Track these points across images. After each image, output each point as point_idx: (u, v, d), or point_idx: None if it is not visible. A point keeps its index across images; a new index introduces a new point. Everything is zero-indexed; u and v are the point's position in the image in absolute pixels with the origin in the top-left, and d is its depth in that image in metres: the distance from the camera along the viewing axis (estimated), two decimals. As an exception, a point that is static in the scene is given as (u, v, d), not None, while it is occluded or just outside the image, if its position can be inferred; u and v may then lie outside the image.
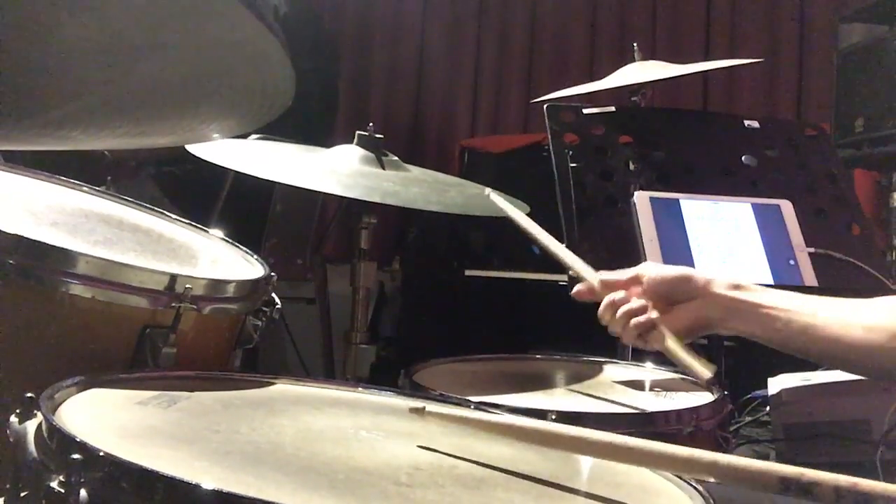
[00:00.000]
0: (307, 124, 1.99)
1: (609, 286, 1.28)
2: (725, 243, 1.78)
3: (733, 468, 0.77)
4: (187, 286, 1.13)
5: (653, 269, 1.27)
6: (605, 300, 1.26)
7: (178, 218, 1.54)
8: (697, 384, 1.52)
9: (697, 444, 1.29)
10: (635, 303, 1.24)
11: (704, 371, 1.20)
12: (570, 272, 1.35)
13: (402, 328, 3.65)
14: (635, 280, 1.27)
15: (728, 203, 1.83)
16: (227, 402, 1.01)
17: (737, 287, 1.21)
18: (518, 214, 1.43)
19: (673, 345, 1.21)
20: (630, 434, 1.21)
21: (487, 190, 1.47)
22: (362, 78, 4.33)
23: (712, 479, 0.81)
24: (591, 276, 1.31)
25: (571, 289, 1.75)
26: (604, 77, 2.29)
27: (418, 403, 0.96)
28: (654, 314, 1.22)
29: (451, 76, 4.36)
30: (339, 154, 1.62)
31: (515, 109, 4.33)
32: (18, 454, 0.76)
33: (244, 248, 1.47)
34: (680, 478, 0.89)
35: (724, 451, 1.39)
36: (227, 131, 1.22)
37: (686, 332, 1.23)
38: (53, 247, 1.08)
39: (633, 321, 1.22)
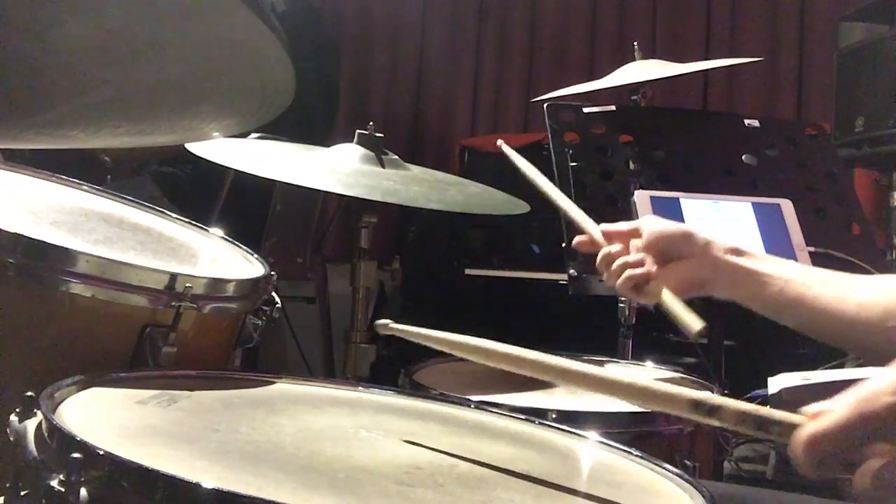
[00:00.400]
0: (307, 123, 1.99)
1: (609, 237, 1.27)
2: (725, 243, 1.77)
3: (647, 390, 0.80)
4: (187, 285, 1.13)
5: (654, 223, 1.26)
6: (603, 251, 1.26)
7: (178, 217, 1.54)
8: (698, 384, 1.52)
9: (698, 443, 1.30)
10: (632, 255, 1.23)
11: (696, 323, 1.17)
12: (573, 242, 1.33)
13: (402, 328, 3.64)
14: (635, 233, 1.25)
15: (728, 202, 1.82)
16: (227, 402, 1.01)
17: (735, 251, 1.20)
18: (525, 164, 1.42)
19: (667, 296, 1.19)
20: (631, 434, 1.22)
21: (499, 141, 1.47)
22: (362, 78, 4.32)
23: (628, 401, 0.84)
24: (592, 228, 1.30)
25: (572, 289, 1.75)
26: (604, 76, 2.29)
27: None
28: (650, 267, 1.21)
29: (451, 76, 4.36)
30: (339, 153, 1.62)
31: (515, 109, 4.33)
32: (18, 453, 0.76)
33: (244, 248, 1.47)
34: (679, 476, 0.89)
35: (725, 451, 1.39)
36: (227, 130, 1.22)
37: (679, 290, 1.21)
38: (53, 246, 1.08)
39: (628, 272, 1.21)
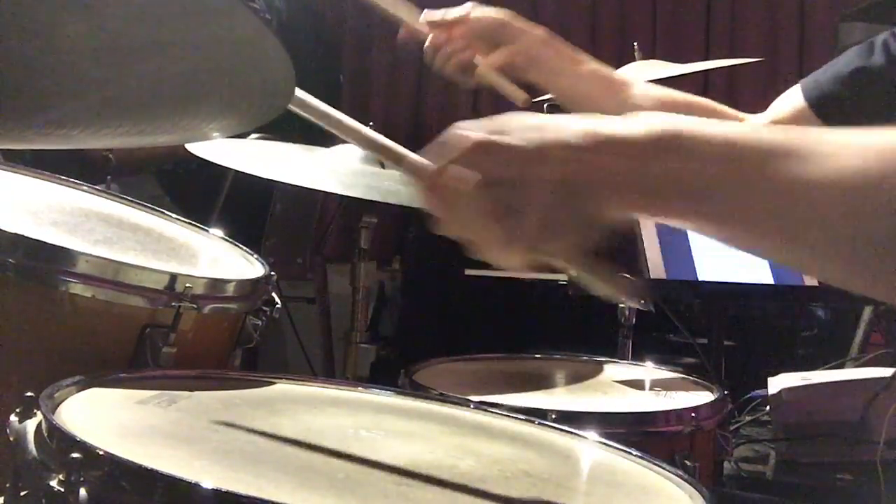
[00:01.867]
0: (307, 124, 1.99)
1: (435, 27, 1.36)
2: (725, 243, 1.77)
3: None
4: (187, 285, 1.13)
5: (477, 10, 1.35)
6: (429, 41, 1.35)
7: (178, 217, 1.54)
8: (698, 384, 1.52)
9: (697, 443, 1.30)
10: (457, 43, 1.34)
11: (519, 94, 1.38)
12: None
13: (402, 328, 3.65)
14: (460, 21, 1.34)
15: (728, 203, 1.82)
16: (227, 402, 1.01)
17: (546, 41, 1.34)
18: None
19: (487, 71, 1.34)
20: (631, 434, 1.22)
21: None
22: (362, 78, 4.32)
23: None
24: (415, 18, 1.37)
25: (572, 289, 1.76)
26: (604, 77, 2.29)
27: None
28: (474, 52, 1.33)
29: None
30: (340, 153, 1.62)
31: (515, 109, 4.33)
32: (18, 453, 0.76)
33: (244, 248, 1.47)
34: (679, 476, 0.89)
35: (725, 451, 1.39)
36: (227, 130, 1.22)
37: (506, 68, 1.35)
38: (53, 246, 1.08)
39: (454, 59, 1.34)
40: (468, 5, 1.36)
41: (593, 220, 0.73)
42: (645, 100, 1.35)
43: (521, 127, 0.75)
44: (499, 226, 0.74)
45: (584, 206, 0.72)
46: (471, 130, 0.77)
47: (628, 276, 0.77)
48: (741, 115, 1.33)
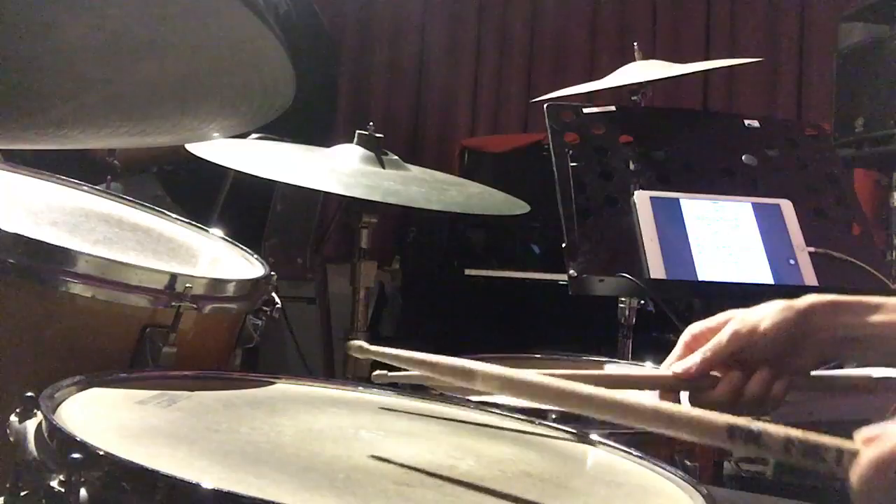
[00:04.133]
0: (307, 124, 1.99)
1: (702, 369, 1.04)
2: (725, 243, 1.78)
3: (676, 416, 0.75)
4: (187, 285, 1.13)
5: (735, 326, 1.03)
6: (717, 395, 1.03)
7: (178, 217, 1.54)
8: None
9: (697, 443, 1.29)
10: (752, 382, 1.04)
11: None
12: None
13: (402, 328, 3.65)
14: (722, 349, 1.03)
15: (728, 203, 1.82)
16: (227, 402, 1.01)
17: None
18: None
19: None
20: (631, 434, 1.22)
21: None
22: (362, 78, 4.33)
23: (654, 428, 0.78)
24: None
25: (572, 289, 1.76)
26: (604, 77, 2.29)
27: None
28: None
29: (451, 76, 4.36)
30: (340, 153, 1.62)
31: (515, 109, 4.33)
32: (18, 453, 0.75)
33: (244, 248, 1.47)
34: (678, 476, 0.89)
35: (725, 451, 1.38)
36: (228, 130, 1.22)
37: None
38: (53, 246, 1.08)
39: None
40: (723, 322, 1.02)
41: None
42: None
43: None
44: None
45: None
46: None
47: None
48: None
